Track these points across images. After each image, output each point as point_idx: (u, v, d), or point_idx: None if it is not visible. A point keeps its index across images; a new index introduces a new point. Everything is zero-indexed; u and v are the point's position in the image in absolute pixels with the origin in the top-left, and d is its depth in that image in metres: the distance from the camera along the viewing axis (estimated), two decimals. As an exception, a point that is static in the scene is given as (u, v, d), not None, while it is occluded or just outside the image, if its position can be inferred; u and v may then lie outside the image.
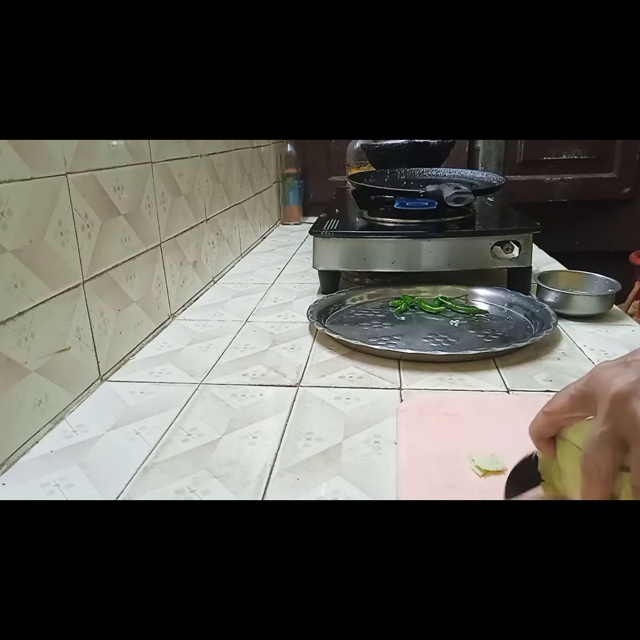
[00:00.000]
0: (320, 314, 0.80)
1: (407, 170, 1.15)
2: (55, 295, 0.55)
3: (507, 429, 0.51)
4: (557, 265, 1.11)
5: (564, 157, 1.64)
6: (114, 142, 0.67)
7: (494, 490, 0.43)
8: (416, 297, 0.87)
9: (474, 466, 0.46)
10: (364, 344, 0.69)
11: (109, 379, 0.65)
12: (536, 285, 0.86)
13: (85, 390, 0.61)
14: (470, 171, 1.13)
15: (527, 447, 0.45)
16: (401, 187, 1.07)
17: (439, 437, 0.51)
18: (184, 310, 0.90)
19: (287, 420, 0.56)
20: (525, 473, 0.41)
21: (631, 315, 0.88)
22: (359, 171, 1.31)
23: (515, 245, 0.86)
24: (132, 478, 0.47)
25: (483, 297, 0.88)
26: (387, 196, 1.05)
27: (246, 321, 0.84)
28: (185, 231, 0.90)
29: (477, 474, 0.45)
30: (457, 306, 0.84)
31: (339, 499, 0.44)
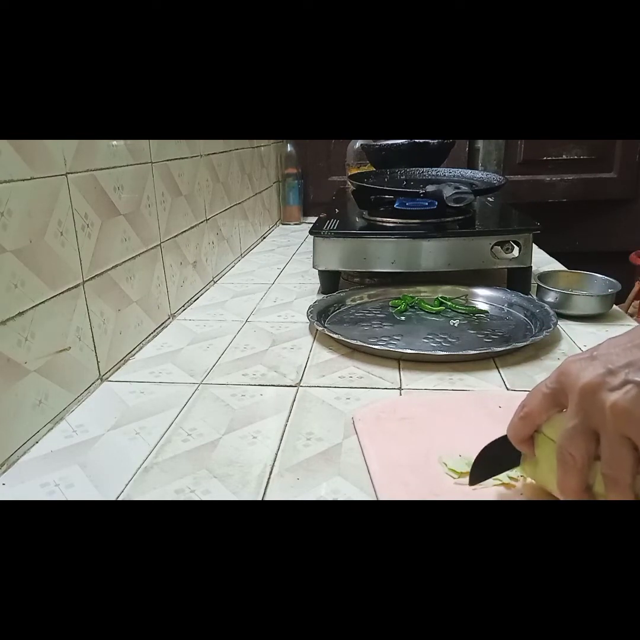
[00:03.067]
0: (320, 314, 0.80)
1: (407, 170, 1.15)
2: (55, 295, 0.55)
3: (464, 426, 0.52)
4: (557, 265, 1.11)
5: (564, 157, 1.64)
6: (114, 142, 0.67)
7: (475, 494, 0.43)
8: (416, 297, 0.87)
9: (448, 470, 0.46)
10: (364, 344, 0.69)
11: (109, 379, 0.65)
12: (536, 285, 0.86)
13: (85, 390, 0.61)
14: (470, 171, 1.13)
15: (489, 440, 0.45)
16: (401, 187, 1.07)
17: (404, 444, 0.50)
18: (184, 310, 0.90)
19: (287, 420, 0.56)
20: (491, 458, 0.42)
21: (631, 315, 0.88)
22: (359, 171, 1.31)
23: (515, 245, 0.86)
24: (132, 478, 0.47)
25: (483, 297, 0.88)
26: (387, 196, 1.05)
27: (246, 321, 0.84)
28: (185, 231, 0.90)
29: (452, 477, 0.45)
30: (457, 306, 0.84)
31: (339, 499, 0.44)
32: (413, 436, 0.51)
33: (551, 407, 0.37)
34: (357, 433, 0.53)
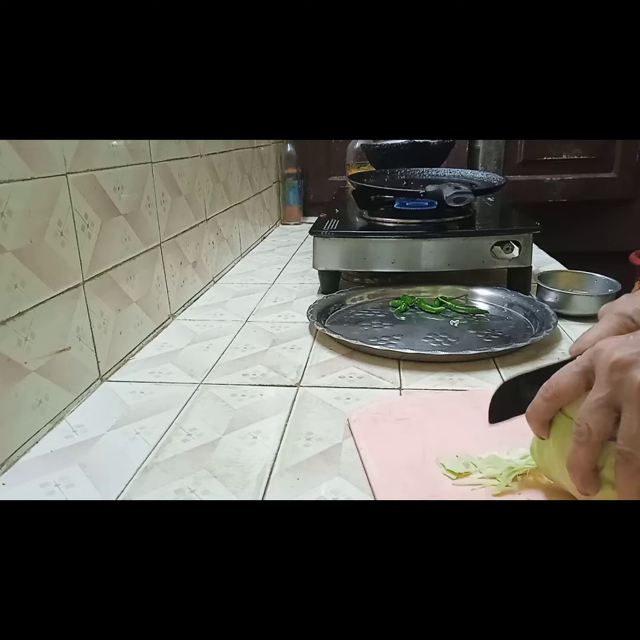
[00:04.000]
0: (320, 314, 0.80)
1: (407, 170, 1.15)
2: (55, 295, 0.55)
3: (460, 427, 0.52)
4: (557, 265, 1.11)
5: (564, 157, 1.64)
6: (114, 142, 0.67)
7: (472, 495, 0.43)
8: (416, 297, 0.87)
9: (446, 471, 0.46)
10: (364, 344, 0.69)
11: (109, 379, 0.65)
12: (536, 285, 0.86)
13: (85, 390, 0.61)
14: (470, 171, 1.12)
15: (485, 440, 0.45)
16: (401, 187, 1.07)
17: (400, 445, 0.50)
18: (184, 310, 0.90)
19: (287, 420, 0.56)
20: (510, 395, 0.42)
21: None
22: (359, 171, 1.31)
23: (515, 245, 0.86)
24: (132, 478, 0.47)
25: (483, 297, 0.88)
26: (387, 196, 1.05)
27: (246, 321, 0.84)
28: (185, 231, 0.90)
29: (450, 478, 0.45)
30: (457, 306, 0.84)
31: (339, 499, 0.44)
32: (409, 437, 0.51)
33: (582, 386, 0.36)
34: (352, 434, 0.53)
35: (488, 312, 0.83)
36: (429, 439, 0.50)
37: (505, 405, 0.42)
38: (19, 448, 0.50)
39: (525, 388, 0.41)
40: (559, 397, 0.37)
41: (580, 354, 0.41)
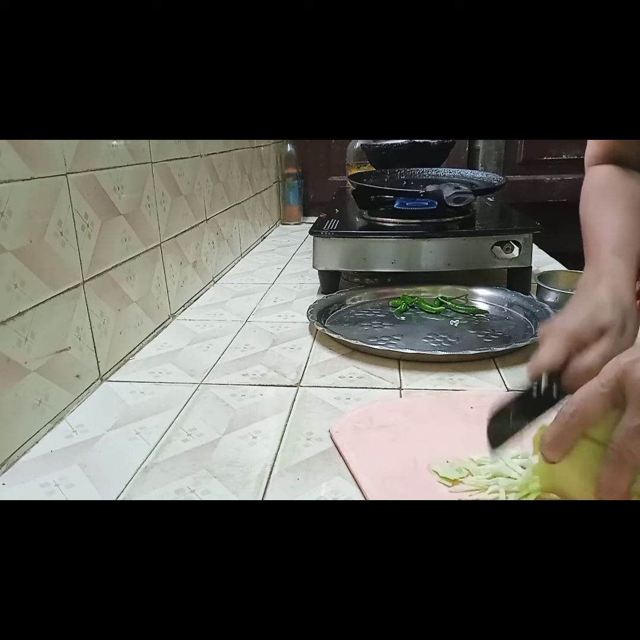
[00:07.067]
0: (320, 314, 0.80)
1: (407, 170, 1.15)
2: (55, 295, 0.55)
3: (443, 431, 0.51)
4: (557, 265, 1.11)
5: (564, 157, 1.64)
6: (114, 142, 0.67)
7: (471, 499, 0.43)
8: (416, 297, 0.87)
9: (440, 478, 0.45)
10: (364, 344, 0.69)
11: (109, 379, 0.65)
12: (536, 285, 0.86)
13: (85, 390, 0.61)
14: (470, 171, 1.13)
15: (472, 441, 0.45)
16: (401, 187, 1.07)
17: (389, 454, 0.48)
18: (184, 310, 0.90)
19: (287, 420, 0.56)
20: (507, 417, 0.41)
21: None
22: (359, 171, 1.31)
23: (515, 245, 0.86)
24: (132, 478, 0.47)
25: (483, 297, 0.88)
26: (387, 196, 1.05)
27: (246, 321, 0.84)
28: (185, 231, 0.90)
29: (446, 485, 0.44)
30: (457, 306, 0.84)
31: (339, 499, 0.44)
32: (396, 445, 0.50)
33: (610, 407, 0.35)
34: (337, 446, 0.51)
35: (488, 312, 0.83)
36: (416, 445, 0.50)
37: (502, 434, 0.41)
38: (19, 448, 0.50)
39: (515, 417, 0.41)
40: (588, 422, 0.35)
41: (538, 378, 0.41)
